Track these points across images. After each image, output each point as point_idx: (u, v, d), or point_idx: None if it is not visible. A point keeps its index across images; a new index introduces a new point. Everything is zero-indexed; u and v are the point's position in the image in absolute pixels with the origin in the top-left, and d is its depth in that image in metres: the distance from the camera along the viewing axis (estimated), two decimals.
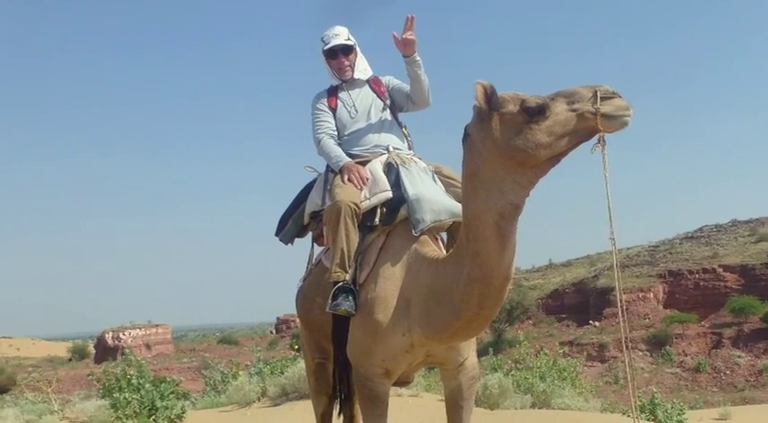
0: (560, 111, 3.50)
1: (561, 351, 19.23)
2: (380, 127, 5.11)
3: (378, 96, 5.23)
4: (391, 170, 4.76)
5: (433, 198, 4.53)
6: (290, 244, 5.55)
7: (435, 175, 4.88)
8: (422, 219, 4.42)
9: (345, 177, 4.75)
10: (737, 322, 61.01)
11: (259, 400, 12.28)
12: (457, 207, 4.38)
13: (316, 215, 5.19)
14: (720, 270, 67.87)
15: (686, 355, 60.26)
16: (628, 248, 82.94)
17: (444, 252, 4.46)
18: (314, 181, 5.34)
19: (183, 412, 10.50)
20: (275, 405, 11.71)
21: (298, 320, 6.14)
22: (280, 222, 5.50)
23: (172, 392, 10.54)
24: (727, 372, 56.75)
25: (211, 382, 16.28)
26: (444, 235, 4.85)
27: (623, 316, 4.14)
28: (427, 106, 5.23)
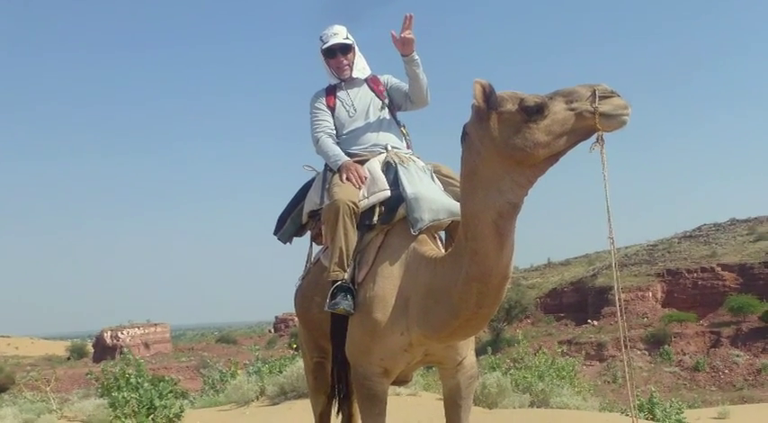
0: (559, 110, 3.50)
1: (560, 350, 19.25)
2: (379, 126, 5.11)
3: (376, 95, 5.23)
4: (390, 169, 4.76)
5: (432, 197, 4.53)
6: (288, 243, 5.55)
7: (434, 174, 4.88)
8: (420, 218, 4.42)
9: (344, 176, 4.75)
10: (736, 321, 60.96)
11: (257, 399, 12.28)
12: (455, 206, 4.37)
13: (314, 214, 5.19)
14: (719, 269, 67.81)
15: (685, 354, 60.20)
16: (626, 247, 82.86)
17: (443, 251, 4.46)
18: (312, 180, 5.34)
19: (182, 411, 10.50)
20: (274, 404, 11.71)
21: (296, 319, 6.14)
22: (278, 221, 5.50)
23: (170, 391, 10.53)
24: (726, 371, 56.71)
25: (210, 381, 16.30)
26: (443, 234, 4.85)
27: (622, 315, 4.13)
28: (426, 105, 5.23)
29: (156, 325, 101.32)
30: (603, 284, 68.00)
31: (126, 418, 9.71)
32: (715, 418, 21.01)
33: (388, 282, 4.33)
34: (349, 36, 5.21)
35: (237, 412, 11.68)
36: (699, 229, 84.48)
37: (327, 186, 4.92)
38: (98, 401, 11.55)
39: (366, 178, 4.73)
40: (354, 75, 5.26)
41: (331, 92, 5.27)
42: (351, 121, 5.14)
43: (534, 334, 63.09)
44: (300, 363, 10.38)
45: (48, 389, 14.92)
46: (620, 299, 4.10)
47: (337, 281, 4.49)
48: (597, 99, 3.43)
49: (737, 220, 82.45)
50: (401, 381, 4.97)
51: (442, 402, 4.81)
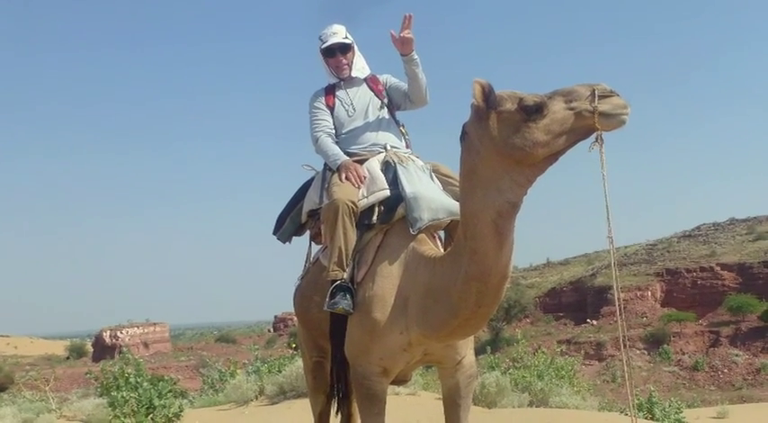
0: (558, 109, 3.50)
1: (559, 349, 19.23)
2: (378, 125, 5.11)
3: (375, 95, 5.23)
4: (389, 169, 4.76)
5: (431, 196, 4.53)
6: (287, 242, 5.55)
7: (433, 174, 4.88)
8: (419, 217, 4.42)
9: (343, 176, 4.75)
10: (735, 321, 60.98)
11: (257, 398, 12.28)
12: (455, 205, 4.38)
13: (313, 213, 5.19)
14: (718, 268, 67.83)
15: (684, 354, 60.23)
16: (625, 247, 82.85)
17: (442, 250, 4.47)
18: (312, 179, 5.33)
19: (181, 411, 10.50)
20: (273, 403, 11.71)
21: (295, 319, 6.14)
22: (277, 221, 5.50)
23: (169, 391, 10.54)
24: (725, 370, 56.74)
25: (209, 380, 16.30)
26: (442, 233, 4.85)
27: (621, 314, 4.14)
28: (425, 105, 5.23)
29: (155, 324, 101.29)
30: (602, 284, 68.02)
31: (125, 417, 9.71)
32: (714, 418, 21.00)
33: (388, 281, 4.33)
34: (348, 35, 5.21)
35: (237, 412, 11.68)
36: (698, 228, 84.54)
37: (327, 186, 4.92)
38: (97, 401, 11.56)
39: (365, 178, 4.73)
40: (354, 74, 5.25)
41: (330, 91, 5.27)
42: (350, 121, 5.14)
43: (533, 333, 63.09)
44: (299, 362, 10.38)
45: (47, 388, 14.94)
46: (619, 298, 4.10)
47: (336, 280, 4.49)
48: (596, 98, 3.43)
49: (737, 220, 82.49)
50: (400, 380, 4.98)
51: (442, 402, 4.81)
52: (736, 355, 57.27)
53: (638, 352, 60.55)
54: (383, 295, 4.30)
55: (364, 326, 4.33)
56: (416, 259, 4.31)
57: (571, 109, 3.48)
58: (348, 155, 4.96)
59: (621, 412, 12.47)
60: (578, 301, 73.29)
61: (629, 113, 3.46)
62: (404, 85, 5.16)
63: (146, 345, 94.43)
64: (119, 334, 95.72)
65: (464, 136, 3.81)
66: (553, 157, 3.60)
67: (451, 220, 4.49)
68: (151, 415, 9.92)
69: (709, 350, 59.70)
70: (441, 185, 4.81)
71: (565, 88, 3.58)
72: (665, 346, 60.63)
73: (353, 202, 4.59)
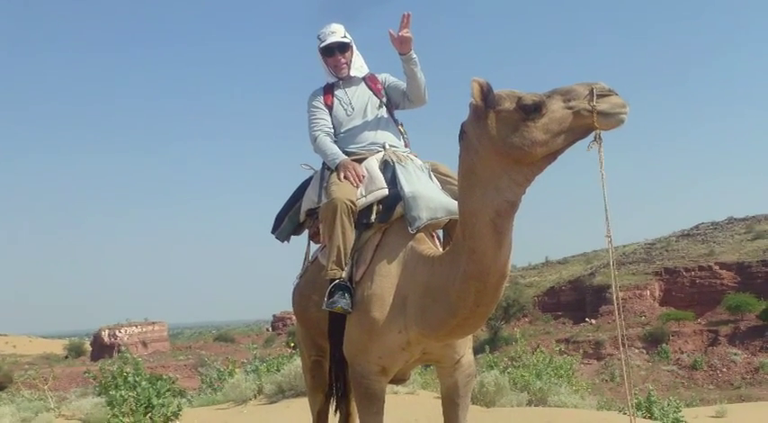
0: (557, 108, 3.50)
1: (557, 349, 19.24)
2: (377, 124, 5.11)
3: (374, 94, 5.23)
4: (387, 168, 4.76)
5: (430, 195, 4.53)
6: (286, 241, 5.56)
7: (431, 173, 4.88)
8: (418, 216, 4.41)
9: (342, 175, 4.75)
10: (734, 320, 60.97)
11: (255, 397, 12.28)
12: (453, 205, 4.38)
13: (312, 213, 5.20)
14: (717, 268, 67.84)
15: (682, 353, 60.20)
16: (624, 246, 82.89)
17: (441, 250, 4.46)
18: (310, 178, 5.34)
19: (180, 410, 10.50)
20: (271, 402, 11.71)
21: (294, 318, 6.14)
22: (276, 220, 5.50)
23: (168, 390, 10.52)
24: (724, 369, 56.71)
25: (208, 379, 16.31)
26: (441, 232, 4.84)
27: (619, 313, 4.14)
28: (423, 104, 5.23)
29: (153, 323, 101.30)
30: (601, 283, 68.03)
31: (124, 416, 9.70)
32: (713, 417, 20.96)
33: (386, 280, 4.33)
34: (347, 35, 5.20)
35: (235, 411, 11.68)
36: (696, 227, 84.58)
37: (325, 185, 4.91)
38: (96, 400, 11.55)
39: (364, 177, 4.73)
40: (352, 73, 5.25)
41: (329, 90, 5.27)
42: (348, 120, 5.14)
43: (532, 332, 63.06)
44: (298, 361, 10.38)
45: (45, 387, 14.94)
46: (617, 297, 4.10)
47: (335, 279, 4.49)
48: (595, 97, 3.43)
49: (735, 219, 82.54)
50: (399, 379, 4.98)
51: (440, 401, 4.82)
52: (735, 355, 57.26)
53: (636, 351, 60.52)
54: (382, 294, 4.30)
55: (363, 325, 4.33)
56: (415, 258, 4.30)
57: (570, 108, 3.48)
58: (347, 154, 4.95)
59: (620, 411, 12.45)
60: (577, 300, 73.30)
61: (627, 112, 3.46)
62: (402, 85, 5.16)
63: (144, 344, 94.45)
64: (117, 333, 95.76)
65: (463, 135, 3.81)
66: (552, 156, 3.60)
67: (450, 220, 4.49)
68: (149, 414, 9.92)
69: (708, 349, 59.68)
70: (439, 184, 4.81)
71: (563, 87, 3.58)
72: (664, 345, 60.59)
73: (352, 202, 4.59)
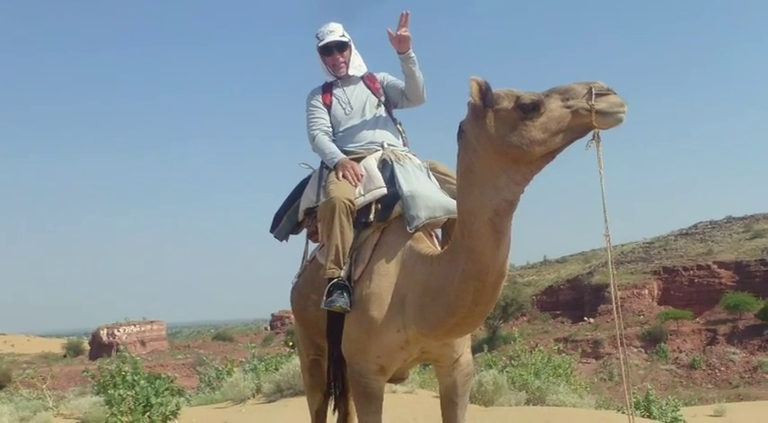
0: (555, 107, 3.49)
1: (556, 348, 19.28)
2: (375, 123, 5.10)
3: (372, 93, 5.22)
4: (386, 167, 4.75)
5: (428, 195, 4.53)
6: (284, 240, 5.55)
7: (430, 172, 4.88)
8: (416, 215, 4.41)
9: (340, 174, 4.74)
10: (732, 319, 61.07)
11: (254, 396, 12.27)
12: (452, 204, 4.37)
13: (310, 212, 5.20)
14: (715, 267, 67.97)
15: (681, 352, 60.30)
16: (622, 245, 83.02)
17: (439, 249, 4.46)
18: (308, 177, 5.33)
19: (178, 409, 10.48)
20: (270, 401, 11.71)
21: (292, 317, 6.13)
22: (274, 219, 5.50)
23: (166, 389, 10.51)
24: (722, 368, 56.79)
25: (206, 378, 16.29)
26: (439, 232, 4.84)
27: (618, 312, 4.14)
28: (422, 103, 5.22)
29: (152, 322, 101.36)
30: (600, 282, 68.15)
31: (122, 415, 9.69)
32: (711, 416, 20.96)
33: (385, 279, 4.33)
34: (345, 34, 5.20)
35: (234, 410, 11.67)
36: (695, 226, 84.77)
37: (323, 184, 4.90)
38: (94, 399, 11.54)
39: (362, 176, 4.73)
40: (351, 72, 5.25)
41: (327, 89, 5.27)
42: (347, 119, 5.14)
43: (530, 332, 63.20)
44: (296, 360, 10.37)
45: (44, 386, 14.91)
46: (616, 296, 4.11)
47: (333, 278, 4.49)
48: (593, 96, 3.42)
49: (734, 218, 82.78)
50: (397, 378, 4.98)
51: (439, 400, 4.82)
52: (734, 354, 57.34)
53: (635, 350, 60.62)
54: (380, 293, 4.29)
55: (361, 324, 4.33)
56: (413, 257, 4.30)
57: (568, 107, 3.48)
58: (345, 153, 4.95)
59: (619, 410, 12.47)
60: (575, 299, 73.42)
61: (626, 111, 3.45)
62: (401, 83, 5.15)
63: (143, 343, 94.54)
64: (116, 332, 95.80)
65: (461, 134, 3.81)
66: (550, 155, 3.59)
67: (448, 219, 4.48)
68: (148, 413, 9.90)
69: (707, 348, 59.78)
70: (438, 184, 4.81)
71: (562, 86, 3.57)
72: (663, 344, 60.68)
73: (350, 201, 4.59)
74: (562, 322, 72.17)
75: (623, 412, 11.09)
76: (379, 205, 4.62)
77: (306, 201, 5.22)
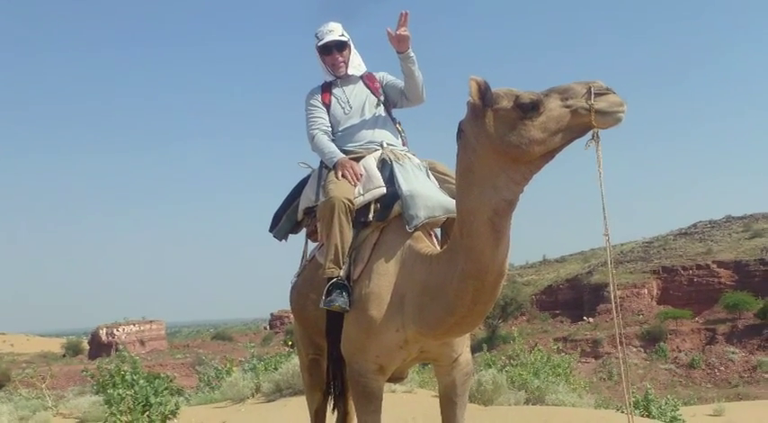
0: (554, 107, 3.49)
1: (555, 347, 19.23)
2: (374, 123, 5.11)
3: (372, 92, 5.22)
4: (385, 166, 4.75)
5: (427, 194, 4.53)
6: (283, 240, 5.55)
7: (429, 172, 4.88)
8: (416, 215, 4.41)
9: (339, 173, 4.74)
10: (731, 318, 61.05)
11: (253, 396, 12.27)
12: (451, 203, 4.37)
13: (310, 211, 5.20)
14: (714, 266, 67.94)
15: (680, 352, 60.28)
16: (621, 244, 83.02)
17: (438, 248, 4.46)
18: (308, 177, 5.33)
19: (177, 408, 10.48)
20: (269, 401, 11.70)
21: (292, 316, 6.13)
22: (274, 218, 5.50)
23: (166, 388, 10.51)
24: (722, 368, 56.76)
25: (205, 378, 16.28)
26: (438, 231, 4.84)
27: (617, 312, 4.14)
28: (421, 102, 5.22)
29: (151, 322, 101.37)
30: (599, 281, 68.10)
31: (121, 415, 9.69)
32: (710, 415, 20.96)
33: (384, 279, 4.33)
34: (344, 33, 5.20)
35: (233, 409, 11.67)
36: (694, 226, 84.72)
37: (323, 183, 4.90)
38: (93, 398, 11.55)
39: (361, 175, 4.73)
40: (350, 72, 5.25)
41: (326, 89, 5.27)
42: (346, 118, 5.14)
43: (530, 331, 63.16)
44: (296, 360, 10.36)
45: (43, 386, 14.92)
46: (615, 296, 4.10)
47: (333, 278, 4.49)
48: (593, 96, 3.42)
49: (733, 218, 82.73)
50: (397, 378, 4.97)
51: (438, 399, 4.82)
52: (733, 353, 57.32)
53: (634, 349, 60.60)
54: (379, 293, 4.29)
55: (360, 323, 4.33)
56: (413, 257, 4.30)
57: (567, 107, 3.47)
58: (344, 152, 4.95)
59: (618, 410, 12.47)
60: (575, 298, 73.40)
61: (625, 111, 3.44)
62: (400, 83, 5.15)
63: (142, 342, 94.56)
64: (115, 331, 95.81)
65: (460, 134, 3.81)
66: (549, 154, 3.59)
67: (448, 218, 4.49)
68: (147, 412, 9.91)
69: (706, 348, 59.76)
70: (437, 183, 4.81)
71: (561, 86, 3.57)
72: (662, 343, 60.67)
73: (350, 200, 4.59)
74: (561, 322, 72.17)
75: (622, 412, 11.09)
76: (379, 205, 4.62)
77: (305, 200, 5.22)
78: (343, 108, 5.16)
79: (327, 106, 5.18)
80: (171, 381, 11.47)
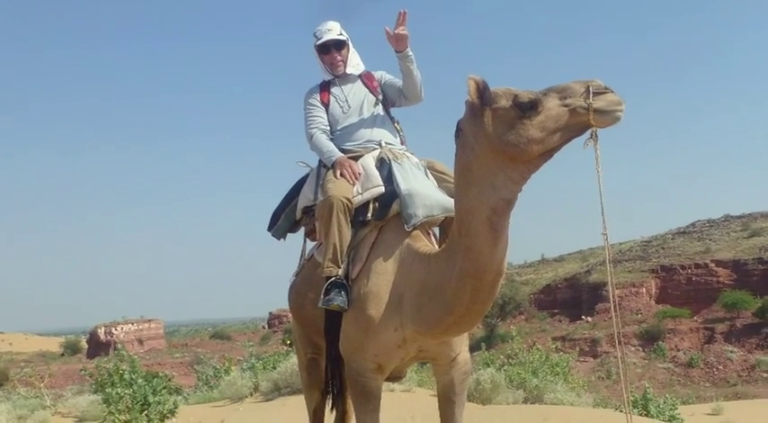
0: (552, 106, 3.49)
1: (554, 346, 19.20)
2: (373, 122, 5.10)
3: (370, 91, 5.22)
4: (384, 165, 4.75)
5: (426, 193, 4.53)
6: (282, 239, 5.55)
7: (428, 171, 4.87)
8: (414, 214, 4.41)
9: (338, 172, 4.74)
10: (730, 317, 61.01)
11: (251, 395, 12.27)
12: (449, 202, 4.37)
13: (308, 210, 5.20)
14: (713, 265, 67.88)
15: (678, 351, 60.25)
16: (620, 243, 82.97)
17: (437, 247, 4.46)
18: (306, 176, 5.33)
19: (176, 407, 10.50)
20: (267, 400, 11.70)
21: (290, 316, 6.13)
22: (272, 217, 5.50)
23: (164, 387, 10.53)
24: (720, 367, 56.76)
25: (204, 377, 16.28)
26: (437, 230, 4.84)
27: (616, 311, 4.14)
28: (420, 101, 5.22)
29: (149, 321, 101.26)
30: (597, 280, 68.07)
31: (120, 414, 9.70)
32: (709, 414, 20.96)
33: (382, 278, 4.33)
34: (343, 32, 5.20)
35: (231, 408, 11.67)
36: (693, 225, 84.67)
37: (321, 182, 4.90)
38: (92, 397, 11.56)
39: (360, 174, 4.73)
40: (348, 71, 5.25)
41: (325, 88, 5.27)
42: (345, 118, 5.13)
43: (528, 330, 63.06)
44: (294, 359, 10.38)
45: (41, 385, 14.91)
46: (613, 295, 4.11)
47: (331, 277, 4.49)
48: (591, 95, 3.42)
49: (731, 217, 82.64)
50: (395, 377, 4.97)
51: (436, 398, 4.82)
52: (731, 352, 57.31)
53: (632, 348, 60.55)
54: (378, 292, 4.29)
55: (359, 322, 4.33)
56: (411, 256, 4.30)
57: (566, 106, 3.47)
58: (343, 151, 4.95)
59: (616, 409, 12.48)
60: (573, 297, 73.36)
61: (623, 110, 3.45)
62: (399, 82, 5.15)
63: (140, 341, 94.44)
64: (113, 330, 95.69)
65: (459, 133, 3.81)
66: (548, 153, 3.59)
67: (446, 217, 4.49)
68: (146, 411, 9.92)
69: (704, 347, 59.74)
70: (435, 182, 4.81)
71: (559, 85, 3.57)
72: (660, 342, 60.65)
73: (348, 199, 4.59)
74: (560, 321, 72.13)
75: (621, 411, 11.10)
76: (377, 204, 4.62)
77: (304, 199, 5.22)
78: (341, 107, 5.16)
79: (326, 105, 5.18)
80: (169, 380, 11.49)
